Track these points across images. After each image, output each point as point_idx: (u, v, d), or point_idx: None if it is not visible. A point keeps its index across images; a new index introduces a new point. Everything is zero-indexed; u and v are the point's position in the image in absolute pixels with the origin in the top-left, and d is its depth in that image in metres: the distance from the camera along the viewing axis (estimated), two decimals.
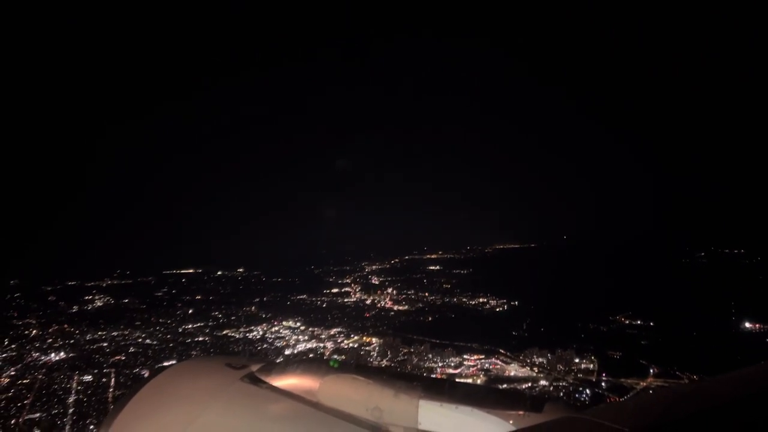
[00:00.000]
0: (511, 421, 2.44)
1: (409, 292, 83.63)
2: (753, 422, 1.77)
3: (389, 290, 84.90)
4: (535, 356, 50.68)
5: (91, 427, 38.99)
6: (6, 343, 57.56)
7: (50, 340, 59.23)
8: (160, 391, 3.07)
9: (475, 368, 50.24)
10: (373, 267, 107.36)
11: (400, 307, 76.54)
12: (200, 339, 60.96)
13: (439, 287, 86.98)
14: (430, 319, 69.91)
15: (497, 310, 73.52)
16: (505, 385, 44.16)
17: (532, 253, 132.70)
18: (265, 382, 3.08)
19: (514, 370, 49.69)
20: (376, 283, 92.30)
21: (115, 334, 61.62)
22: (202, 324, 66.47)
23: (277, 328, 64.71)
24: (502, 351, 53.14)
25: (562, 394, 43.22)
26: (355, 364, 3.33)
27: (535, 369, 49.38)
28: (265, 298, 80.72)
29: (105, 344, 58.46)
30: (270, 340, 60.57)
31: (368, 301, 80.00)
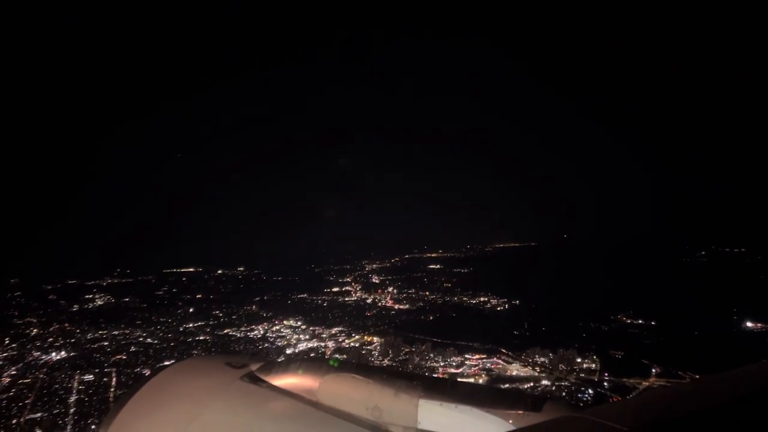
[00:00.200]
0: (510, 421, 2.42)
1: (409, 291, 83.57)
2: (754, 421, 1.75)
3: (390, 289, 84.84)
4: (536, 356, 50.65)
5: (93, 426, 39.00)
6: (7, 342, 57.46)
7: (51, 339, 59.17)
8: (160, 390, 3.06)
9: (477, 368, 50.19)
10: (374, 266, 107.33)
11: (401, 306, 76.49)
12: (201, 338, 60.92)
13: (439, 286, 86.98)
14: (431, 318, 69.86)
15: (498, 309, 73.46)
16: (507, 385, 44.16)
17: (532, 252, 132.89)
18: (264, 382, 3.07)
19: (516, 369, 49.64)
20: (377, 281, 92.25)
21: (116, 333, 61.56)
22: (203, 323, 66.42)
23: (278, 327, 64.65)
24: (504, 350, 53.11)
25: (564, 393, 43.22)
26: (354, 364, 3.30)
27: (537, 369, 49.36)
28: (265, 297, 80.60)
29: (106, 343, 58.40)
30: (271, 339, 60.53)
31: (369, 300, 79.93)
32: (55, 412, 41.81)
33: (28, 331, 61.83)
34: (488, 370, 49.49)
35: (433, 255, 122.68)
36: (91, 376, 48.79)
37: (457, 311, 72.93)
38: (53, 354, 54.81)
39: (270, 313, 70.67)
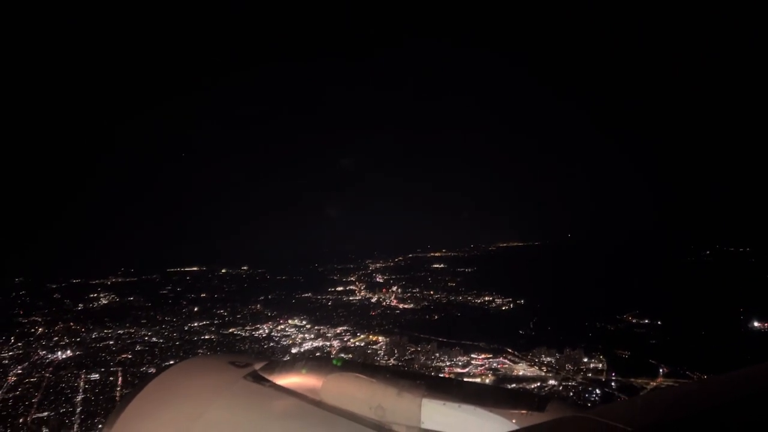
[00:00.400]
0: (514, 420, 2.40)
1: (414, 291, 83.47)
2: (758, 421, 1.71)
3: (394, 288, 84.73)
4: (543, 355, 50.42)
5: (100, 425, 38.95)
6: (12, 341, 57.64)
7: (56, 338, 59.25)
8: (163, 389, 3.06)
9: (483, 367, 50.02)
10: (377, 265, 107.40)
11: (406, 306, 76.37)
12: (206, 337, 60.87)
13: (444, 285, 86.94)
14: (436, 317, 69.74)
15: (503, 308, 73.32)
16: (513, 385, 44.00)
17: (536, 252, 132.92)
18: (268, 381, 3.06)
19: (522, 369, 49.44)
20: (381, 281, 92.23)
21: (121, 332, 61.64)
22: (207, 322, 66.44)
23: (282, 327, 64.60)
24: (510, 350, 52.95)
25: (571, 393, 43.05)
26: (358, 363, 3.31)
27: (544, 368, 49.17)
28: (270, 296, 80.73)
29: (111, 342, 58.42)
30: (276, 339, 60.47)
31: (373, 300, 79.86)
32: (61, 411, 41.85)
33: (33, 330, 61.96)
34: (494, 370, 49.32)
35: (436, 254, 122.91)
36: (97, 375, 48.81)
37: (461, 311, 72.80)
38: (59, 353, 54.83)
39: (274, 312, 70.68)
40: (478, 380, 46.08)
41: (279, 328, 64.14)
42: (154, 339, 59.94)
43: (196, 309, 72.53)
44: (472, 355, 51.80)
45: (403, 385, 2.69)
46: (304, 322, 65.85)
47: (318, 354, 53.57)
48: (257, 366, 3.21)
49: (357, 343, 59.01)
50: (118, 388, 45.81)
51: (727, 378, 2.23)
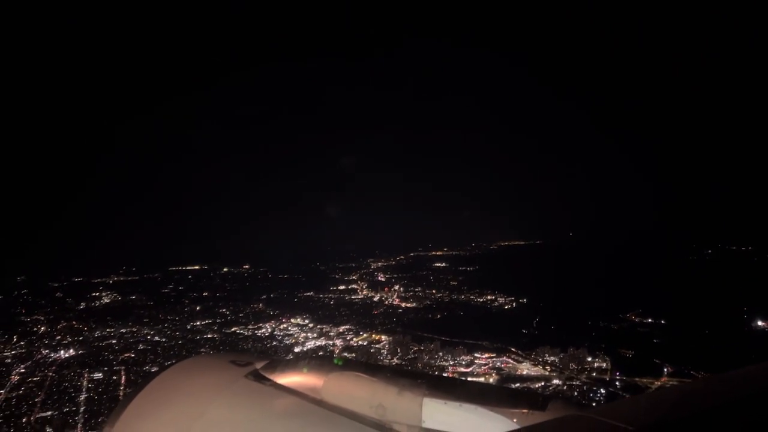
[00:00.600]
0: (515, 419, 2.42)
1: (416, 289, 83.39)
2: (759, 420, 1.71)
3: (396, 287, 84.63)
4: (546, 355, 50.38)
5: (102, 425, 38.81)
6: (15, 339, 57.58)
7: (59, 336, 59.21)
8: (164, 388, 3.10)
9: (487, 367, 49.96)
10: (379, 264, 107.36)
11: (408, 305, 76.30)
12: (209, 336, 60.79)
13: (446, 284, 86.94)
14: (438, 316, 69.68)
15: (506, 307, 73.26)
16: (517, 384, 43.95)
17: (538, 250, 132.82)
18: (269, 380, 3.08)
19: (526, 368, 49.39)
20: (383, 280, 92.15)
21: (123, 331, 61.54)
22: (210, 321, 66.38)
23: (285, 326, 64.51)
24: (513, 349, 52.89)
25: (576, 393, 42.98)
26: (359, 362, 3.36)
27: (548, 368, 49.08)
28: (272, 295, 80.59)
29: (114, 341, 58.38)
30: (279, 338, 60.41)
31: (376, 299, 79.81)
32: (65, 410, 41.80)
33: (36, 329, 61.89)
34: (498, 369, 49.26)
35: (438, 253, 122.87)
36: (100, 374, 48.74)
37: (464, 310, 72.73)
38: (62, 352, 54.80)
39: (277, 311, 70.59)
40: (481, 379, 46.06)
41: (281, 327, 64.05)
42: (156, 338, 59.87)
43: (198, 308, 72.43)
44: (476, 354, 51.72)
45: (404, 385, 2.71)
46: (306, 321, 65.77)
47: (321, 353, 53.53)
48: (258, 365, 3.22)
49: (360, 342, 58.98)
50: (122, 387, 45.77)
51: (729, 377, 2.24)
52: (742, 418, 1.72)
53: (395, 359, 52.24)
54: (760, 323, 57.14)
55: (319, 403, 2.85)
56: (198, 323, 65.55)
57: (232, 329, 63.25)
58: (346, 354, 53.92)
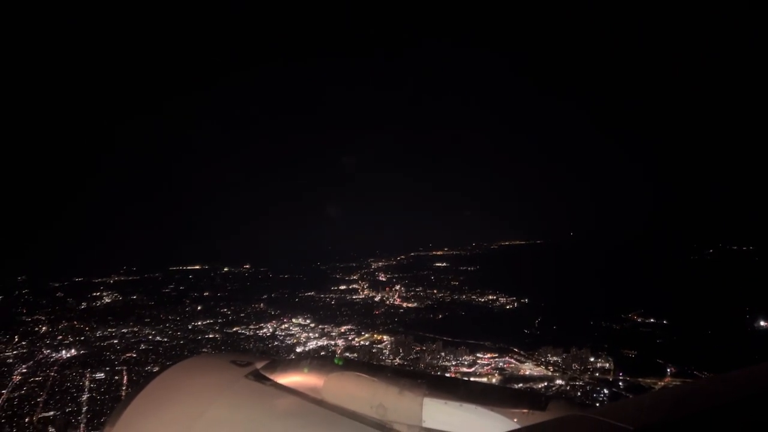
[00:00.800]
0: (515, 419, 2.43)
1: (417, 289, 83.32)
2: (759, 420, 1.71)
3: (397, 287, 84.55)
4: (549, 355, 50.29)
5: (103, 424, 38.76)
6: (16, 339, 57.52)
7: (60, 336, 59.15)
8: (165, 388, 3.12)
9: (489, 367, 49.87)
10: (380, 264, 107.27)
11: (410, 304, 76.24)
12: (210, 336, 60.79)
13: (447, 284, 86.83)
14: (440, 316, 69.59)
15: (507, 307, 73.17)
16: (520, 385, 43.90)
17: (539, 250, 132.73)
18: (269, 380, 3.10)
19: (529, 369, 49.31)
20: (384, 279, 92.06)
21: (125, 330, 61.49)
22: (211, 321, 66.38)
23: (286, 326, 64.46)
24: (516, 349, 52.82)
25: (579, 393, 42.92)
26: (359, 362, 3.36)
27: (551, 368, 49.02)
28: (273, 295, 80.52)
29: (115, 341, 58.34)
30: (280, 338, 60.37)
31: (377, 298, 79.73)
32: (67, 410, 41.73)
33: (37, 329, 61.79)
34: (501, 370, 49.17)
35: (438, 253, 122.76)
36: (102, 374, 48.72)
37: (466, 310, 72.66)
38: (63, 352, 54.78)
39: (278, 311, 70.52)
40: (484, 380, 46.00)
41: (283, 327, 64.00)
42: (158, 338, 59.83)
43: (199, 308, 72.40)
44: (478, 355, 51.65)
45: (405, 384, 2.73)
46: (308, 321, 65.73)
47: (323, 353, 53.52)
48: (259, 365, 3.24)
49: (362, 342, 58.93)
50: (124, 387, 45.73)
51: (729, 377, 2.25)
52: (742, 418, 1.72)
53: (397, 359, 52.13)
54: (762, 323, 57.04)
55: (320, 403, 2.87)
56: (199, 323, 65.55)
57: (234, 329, 63.21)
58: (347, 354, 53.93)
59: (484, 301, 76.06)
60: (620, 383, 45.13)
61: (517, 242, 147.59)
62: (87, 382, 46.93)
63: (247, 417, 2.85)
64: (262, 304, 74.62)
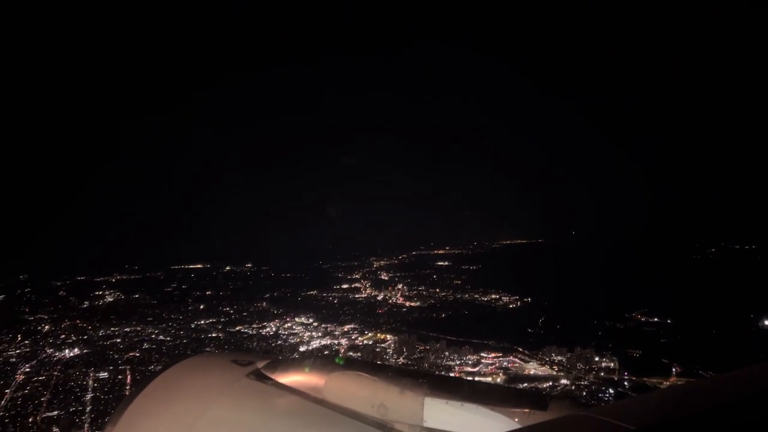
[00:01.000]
0: (516, 419, 2.43)
1: (419, 288, 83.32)
2: (761, 420, 1.69)
3: (399, 286, 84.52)
4: (553, 354, 50.21)
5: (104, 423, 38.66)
6: (19, 338, 57.42)
7: (63, 336, 59.06)
8: (166, 387, 3.12)
9: (494, 366, 49.78)
10: (381, 263, 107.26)
11: (412, 303, 76.19)
12: (213, 335, 60.68)
13: (449, 283, 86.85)
14: (443, 315, 69.54)
15: (510, 306, 73.14)
16: (525, 384, 43.82)
17: (540, 249, 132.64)
18: (270, 379, 3.10)
19: (533, 368, 49.23)
20: (386, 278, 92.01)
21: (127, 329, 61.39)
22: (214, 320, 66.29)
23: (289, 324, 64.38)
24: (520, 349, 52.73)
25: (585, 393, 42.84)
26: (360, 362, 3.44)
27: (555, 367, 48.91)
28: (275, 294, 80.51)
29: (118, 340, 58.27)
30: (284, 337, 60.27)
31: (379, 297, 79.70)
32: (71, 410, 41.63)
33: (39, 328, 61.73)
34: (505, 369, 49.09)
35: (440, 252, 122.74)
36: (106, 373, 48.61)
37: (468, 309, 72.59)
38: (66, 351, 54.69)
39: (281, 310, 70.45)
40: (488, 379, 45.93)
41: (286, 326, 63.91)
42: (161, 337, 59.72)
43: (202, 306, 72.33)
44: (482, 354, 51.58)
45: (406, 384, 2.73)
46: (311, 320, 65.65)
47: (326, 352, 53.42)
48: (260, 364, 3.24)
49: (365, 342, 58.82)
50: (127, 387, 45.60)
51: (730, 377, 2.25)
52: (744, 418, 1.70)
53: (401, 359, 52.06)
54: (766, 322, 56.91)
55: (321, 402, 2.87)
56: (202, 322, 65.47)
57: (237, 328, 63.16)
58: (351, 353, 53.83)
59: (487, 300, 76.01)
60: (625, 383, 45.07)
61: (519, 241, 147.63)
62: (90, 382, 46.85)
63: (249, 416, 2.85)
64: (264, 303, 74.53)
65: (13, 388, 45.42)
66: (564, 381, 46.13)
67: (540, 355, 50.85)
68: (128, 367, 50.20)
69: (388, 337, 59.28)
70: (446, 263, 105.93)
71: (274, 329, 62.95)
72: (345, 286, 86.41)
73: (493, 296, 76.58)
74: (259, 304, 74.03)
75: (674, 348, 50.66)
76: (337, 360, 3.09)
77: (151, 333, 60.67)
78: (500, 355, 51.46)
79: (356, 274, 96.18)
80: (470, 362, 50.46)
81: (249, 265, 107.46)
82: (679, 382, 42.70)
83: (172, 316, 67.66)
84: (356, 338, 59.82)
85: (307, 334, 61.03)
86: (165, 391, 3.08)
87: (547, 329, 60.44)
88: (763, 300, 60.06)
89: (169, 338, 59.45)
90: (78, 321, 64.22)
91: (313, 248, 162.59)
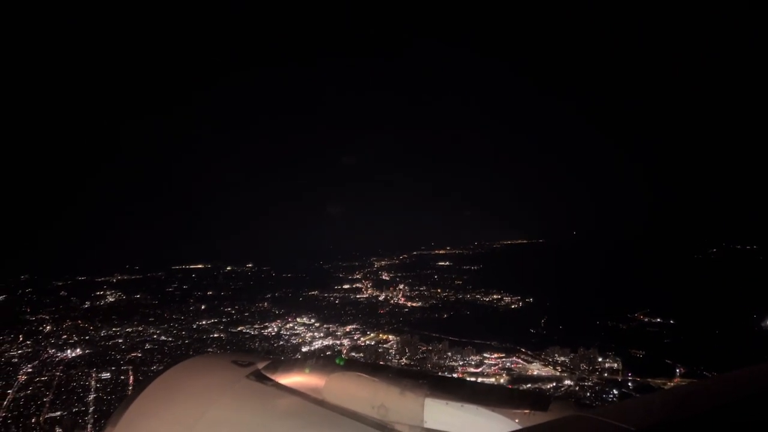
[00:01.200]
0: (516, 420, 2.43)
1: (421, 288, 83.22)
2: (761, 420, 1.69)
3: (401, 286, 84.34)
4: (556, 355, 50.15)
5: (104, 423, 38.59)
6: (21, 339, 57.34)
7: (65, 336, 58.98)
8: (166, 388, 3.13)
9: (497, 367, 49.74)
10: (382, 263, 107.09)
11: (414, 304, 76.12)
12: (215, 335, 60.63)
13: (450, 283, 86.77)
14: (445, 316, 69.50)
15: (512, 307, 73.08)
16: (528, 385, 43.77)
17: (541, 249, 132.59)
18: (270, 380, 3.10)
19: (536, 369, 49.17)
20: (387, 279, 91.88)
21: (129, 330, 61.31)
22: (216, 320, 66.20)
23: (291, 325, 64.31)
24: (523, 349, 52.66)
25: (589, 394, 42.78)
26: (361, 362, 3.40)
27: (558, 368, 48.84)
28: (276, 294, 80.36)
29: (120, 341, 58.20)
30: (285, 337, 60.21)
31: (381, 298, 79.60)
32: (74, 410, 41.57)
33: (41, 328, 61.66)
34: (508, 370, 49.03)
35: (440, 252, 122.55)
36: (108, 374, 48.54)
37: (470, 309, 72.53)
38: (68, 351, 54.61)
39: (282, 311, 70.38)
40: (491, 380, 45.90)
41: (288, 326, 63.83)
42: (163, 337, 59.66)
43: (203, 307, 72.21)
44: (485, 355, 51.53)
45: (406, 385, 2.73)
46: (312, 321, 65.57)
47: (329, 353, 53.39)
48: (260, 365, 3.24)
49: (367, 342, 58.76)
50: (130, 387, 45.53)
51: (731, 377, 2.25)
52: (744, 418, 1.70)
53: (404, 359, 52.06)
54: None
55: (321, 403, 2.87)
56: (204, 322, 65.39)
57: (239, 328, 63.08)
58: (353, 354, 53.80)
59: (489, 300, 75.94)
60: (629, 384, 45.02)
61: (519, 241, 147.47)
62: (93, 382, 46.78)
63: (249, 417, 2.85)
64: (266, 304, 74.41)
65: (16, 389, 45.40)
66: (568, 382, 46.10)
67: (543, 356, 50.78)
68: (130, 367, 50.13)
69: (391, 337, 59.24)
70: (447, 263, 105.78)
71: (276, 330, 62.86)
72: (346, 287, 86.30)
73: (494, 296, 76.50)
74: (260, 305, 73.92)
75: (678, 349, 50.54)
76: (337, 361, 3.09)
77: (153, 333, 60.60)
78: (503, 355, 51.41)
79: (357, 274, 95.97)
80: (473, 363, 50.40)
81: (250, 265, 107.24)
82: (683, 383, 42.71)
83: (174, 316, 67.58)
84: (358, 339, 59.78)
85: (309, 334, 60.97)
86: (165, 392, 3.09)
87: (550, 330, 60.39)
88: (765, 300, 60.06)
89: (171, 339, 59.37)
90: (79, 321, 64.17)
91: (314, 248, 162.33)
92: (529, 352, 52.03)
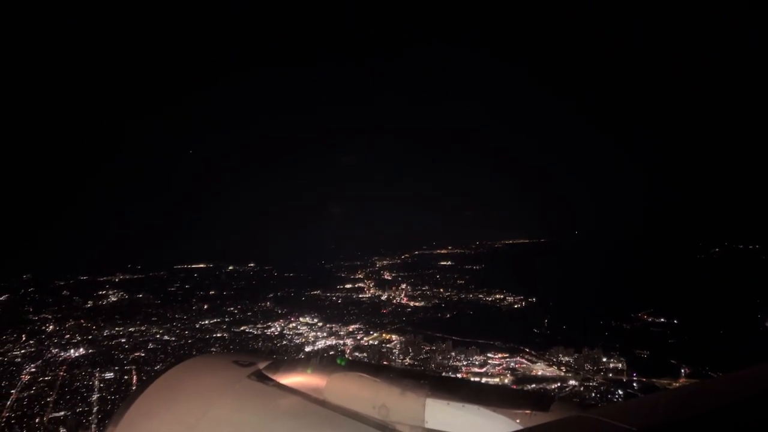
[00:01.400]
0: (518, 420, 2.43)
1: (423, 288, 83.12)
2: (763, 420, 1.68)
3: (403, 286, 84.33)
4: (560, 355, 50.02)
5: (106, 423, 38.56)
6: (24, 338, 57.31)
7: (68, 335, 58.95)
8: (167, 388, 3.13)
9: (501, 367, 49.62)
10: (384, 262, 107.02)
11: (416, 303, 76.04)
12: (218, 335, 60.59)
13: (453, 283, 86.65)
14: (448, 315, 69.40)
15: (515, 306, 72.94)
16: (533, 386, 43.68)
17: (543, 249, 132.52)
18: (272, 380, 3.10)
19: (540, 369, 49.07)
20: (389, 278, 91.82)
21: (132, 329, 61.32)
22: (218, 320, 66.18)
23: (294, 324, 64.29)
24: (527, 349, 52.55)
25: (593, 394, 42.68)
26: (362, 363, 3.40)
27: (563, 368, 48.73)
28: (279, 293, 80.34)
29: (123, 340, 58.17)
30: (289, 337, 60.16)
31: (383, 297, 79.53)
32: (78, 410, 41.52)
33: (44, 328, 61.64)
34: (512, 370, 48.93)
35: (442, 251, 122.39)
36: (111, 373, 48.50)
37: (473, 309, 72.42)
38: (71, 351, 54.57)
39: (285, 310, 70.37)
40: (495, 380, 45.82)
41: (291, 326, 63.80)
42: (166, 337, 59.63)
43: (206, 306, 72.20)
44: (489, 355, 51.42)
45: (407, 385, 2.74)
46: (315, 320, 65.51)
47: (332, 353, 53.32)
48: (261, 365, 3.25)
49: (371, 342, 58.68)
50: (134, 387, 45.41)
51: (733, 378, 2.24)
52: (744, 419, 1.68)
53: (407, 359, 51.98)
54: None
55: (322, 403, 2.88)
56: (206, 322, 65.34)
57: (241, 328, 63.04)
58: (357, 354, 53.74)
59: (492, 300, 75.80)
60: (634, 384, 44.90)
61: (521, 241, 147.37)
62: (96, 382, 46.73)
63: (250, 417, 2.86)
64: (268, 303, 74.40)
65: (19, 389, 45.35)
66: (572, 382, 45.99)
67: (547, 356, 50.68)
68: (134, 367, 50.11)
69: (394, 337, 59.18)
70: (449, 263, 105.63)
71: (279, 329, 62.84)
72: (348, 286, 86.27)
73: (497, 296, 76.34)
74: (263, 304, 73.92)
75: (682, 349, 50.39)
76: (338, 361, 3.11)
77: (156, 333, 60.60)
78: (507, 355, 51.31)
79: (359, 274, 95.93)
80: (477, 363, 50.30)
81: (252, 264, 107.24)
82: (687, 384, 42.53)
83: (177, 315, 67.59)
84: (361, 338, 59.70)
85: (312, 334, 60.93)
86: (166, 392, 3.09)
87: (553, 329, 60.23)
88: (766, 300, 59.91)
89: (174, 338, 59.36)
90: (82, 321, 64.21)
91: (316, 248, 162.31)
92: (533, 352, 51.93)
